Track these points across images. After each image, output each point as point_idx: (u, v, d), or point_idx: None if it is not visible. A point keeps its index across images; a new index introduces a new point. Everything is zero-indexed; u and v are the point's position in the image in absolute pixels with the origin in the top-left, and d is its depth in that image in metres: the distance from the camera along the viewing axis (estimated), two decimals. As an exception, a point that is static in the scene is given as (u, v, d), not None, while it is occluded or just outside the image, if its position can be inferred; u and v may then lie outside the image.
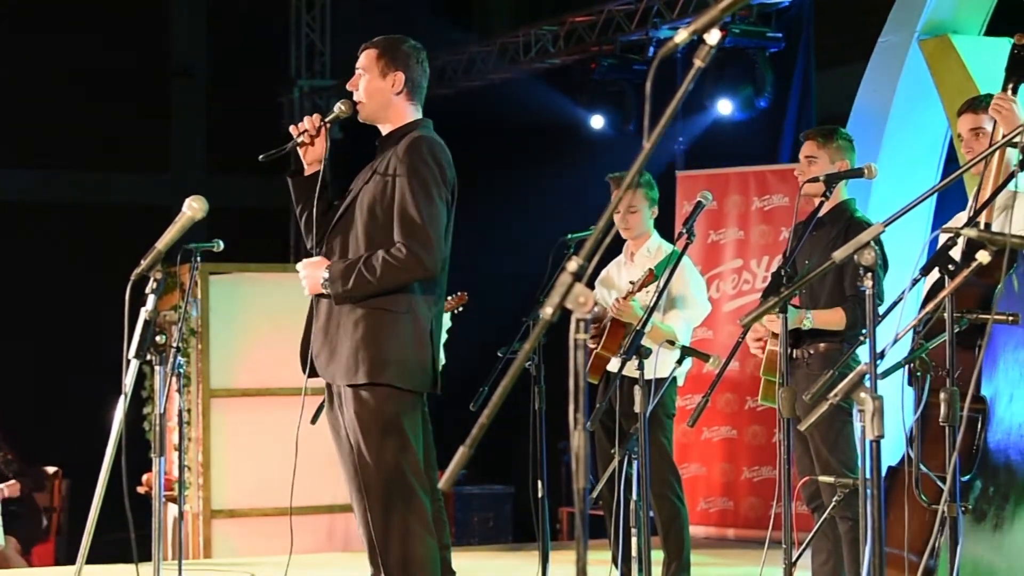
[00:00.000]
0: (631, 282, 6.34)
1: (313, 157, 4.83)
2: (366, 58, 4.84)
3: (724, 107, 10.18)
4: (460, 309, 7.21)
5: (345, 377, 4.65)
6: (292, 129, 4.82)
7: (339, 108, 4.81)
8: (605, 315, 6.46)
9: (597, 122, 11.21)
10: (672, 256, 6.13)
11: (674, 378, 6.40)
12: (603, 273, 6.79)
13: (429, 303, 4.75)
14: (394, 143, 4.79)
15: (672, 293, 6.41)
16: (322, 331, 4.71)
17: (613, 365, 6.23)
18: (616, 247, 6.72)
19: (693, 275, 6.59)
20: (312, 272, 4.70)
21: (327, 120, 4.80)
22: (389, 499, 4.64)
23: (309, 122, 4.79)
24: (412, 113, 4.87)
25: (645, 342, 5.44)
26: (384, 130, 4.88)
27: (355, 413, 4.64)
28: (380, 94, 4.80)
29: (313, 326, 4.76)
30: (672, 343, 5.66)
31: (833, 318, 5.60)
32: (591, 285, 6.71)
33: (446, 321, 7.40)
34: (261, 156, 4.75)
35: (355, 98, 4.84)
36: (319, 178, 4.80)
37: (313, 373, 4.79)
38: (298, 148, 4.82)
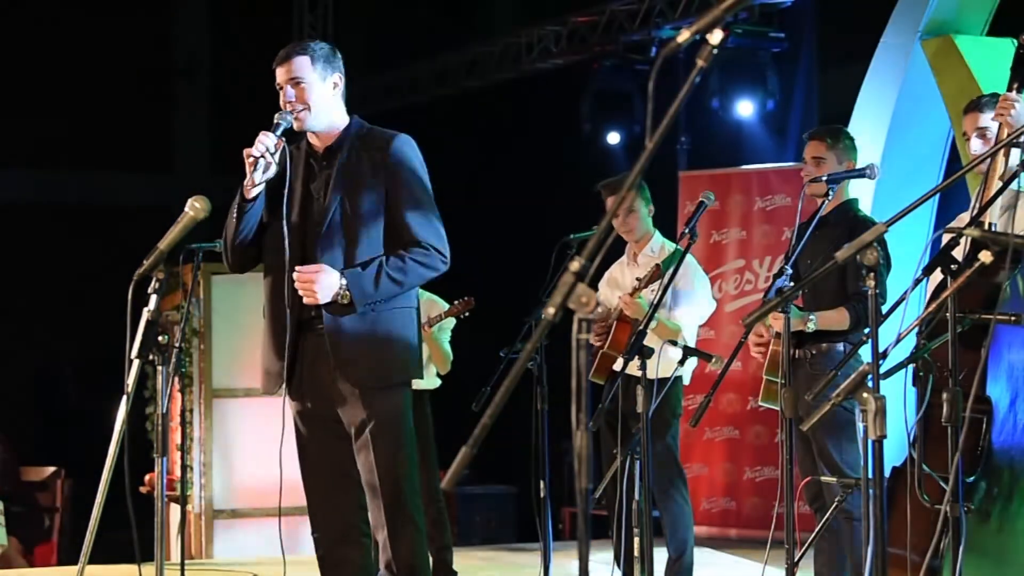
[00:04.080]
0: (637, 279, 6.33)
1: (266, 177, 4.70)
2: (299, 67, 4.69)
3: (744, 108, 10.19)
4: (467, 313, 7.21)
5: (370, 379, 4.64)
6: (248, 155, 4.61)
7: (286, 121, 4.65)
8: (610, 315, 6.45)
9: (613, 138, 11.24)
10: (676, 254, 6.13)
11: (679, 378, 6.39)
12: (607, 273, 6.79)
13: (415, 297, 4.85)
14: (356, 145, 4.74)
15: (677, 292, 6.41)
16: (331, 336, 4.68)
17: (619, 365, 6.23)
18: (619, 247, 6.72)
19: (697, 273, 6.58)
20: (327, 279, 4.57)
21: (281, 136, 4.65)
22: (403, 496, 4.65)
23: (269, 141, 4.61)
24: (345, 113, 4.81)
25: (651, 340, 5.45)
26: (321, 135, 4.77)
27: (374, 412, 4.62)
28: (323, 98, 4.72)
29: (329, 334, 4.65)
30: (675, 343, 5.65)
31: (837, 318, 5.59)
32: (595, 285, 6.71)
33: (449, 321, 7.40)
34: (252, 184, 4.68)
35: (296, 108, 4.68)
36: (264, 198, 4.73)
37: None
38: (253, 169, 4.63)
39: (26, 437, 11.85)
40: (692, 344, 6.39)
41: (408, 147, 4.75)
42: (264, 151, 4.61)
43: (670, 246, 6.59)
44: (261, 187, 4.70)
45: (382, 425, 4.63)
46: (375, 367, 4.65)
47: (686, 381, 6.62)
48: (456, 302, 7.19)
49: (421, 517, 4.71)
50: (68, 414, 14.34)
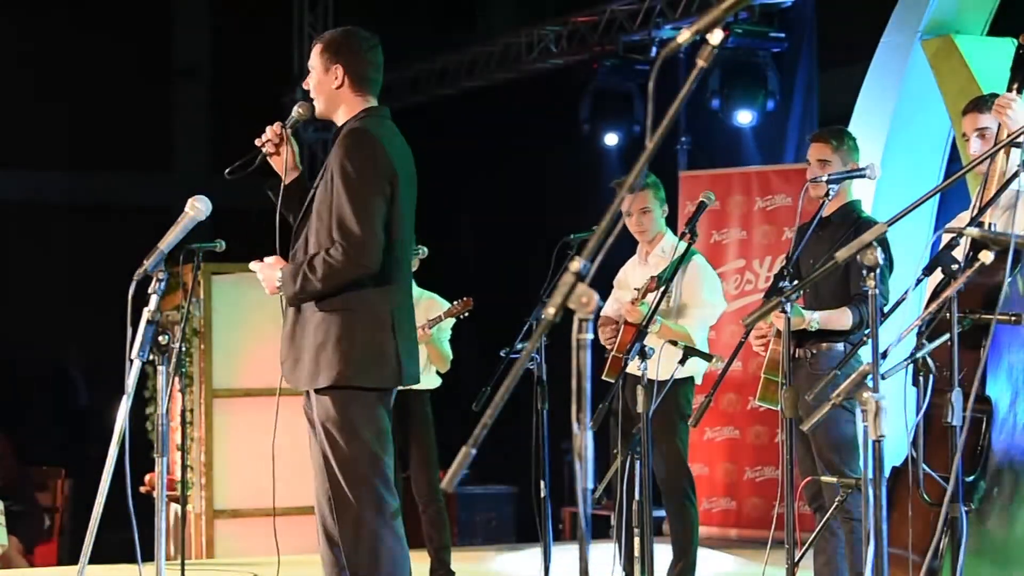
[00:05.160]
0: (636, 289, 6.31)
1: (284, 165, 4.78)
2: (313, 54, 4.80)
3: (744, 117, 10.18)
4: (466, 314, 7.19)
5: (308, 382, 4.64)
6: (257, 141, 4.77)
7: (297, 111, 4.76)
8: (621, 316, 6.43)
9: (613, 139, 11.22)
10: (686, 255, 6.09)
11: (690, 378, 6.38)
12: (619, 274, 6.75)
13: (385, 296, 4.65)
14: (336, 138, 4.78)
15: (686, 294, 6.38)
16: (288, 337, 4.69)
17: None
18: (630, 247, 6.68)
19: (706, 275, 6.53)
20: (268, 273, 4.70)
21: (288, 126, 4.75)
22: (355, 502, 4.59)
23: (271, 131, 4.74)
24: (360, 105, 4.76)
25: (653, 341, 5.44)
26: (335, 125, 4.84)
27: (321, 417, 4.62)
28: (324, 89, 4.75)
29: (282, 332, 4.75)
30: (675, 343, 5.65)
31: (839, 318, 5.59)
32: (610, 286, 6.70)
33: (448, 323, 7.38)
34: (227, 171, 4.71)
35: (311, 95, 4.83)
36: (302, 184, 4.79)
37: None
38: (269, 159, 4.78)
39: (26, 437, 11.83)
40: (701, 345, 6.38)
41: (349, 140, 4.64)
42: (265, 140, 4.75)
43: (683, 246, 6.56)
44: (291, 172, 4.79)
45: (322, 426, 4.62)
46: (305, 368, 4.64)
47: (698, 381, 6.59)
48: (455, 303, 7.18)
49: (379, 522, 4.59)
50: (68, 414, 14.34)
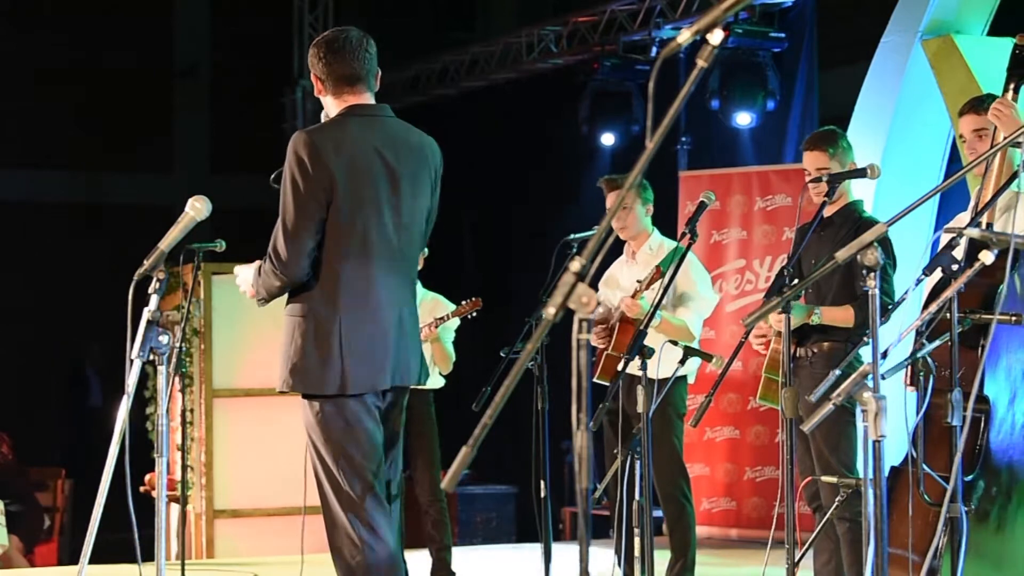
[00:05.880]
0: (638, 280, 6.32)
1: None
2: None
3: (743, 119, 10.16)
4: (474, 314, 7.19)
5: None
6: None
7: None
8: (611, 316, 6.45)
9: (612, 139, 11.20)
10: (676, 252, 6.12)
11: (683, 377, 6.38)
12: (606, 273, 6.78)
13: (331, 302, 4.51)
14: None
15: (679, 289, 6.41)
16: None
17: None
18: (619, 246, 6.71)
19: (697, 269, 6.57)
20: (244, 275, 4.75)
21: None
22: (341, 511, 4.52)
23: None
24: (339, 106, 4.66)
25: (653, 340, 5.45)
26: None
27: (304, 422, 4.61)
28: (321, 98, 4.74)
29: None
30: (675, 343, 5.65)
31: (842, 315, 5.59)
32: (594, 285, 6.71)
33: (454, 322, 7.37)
34: (272, 177, 4.70)
35: None
36: None
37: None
38: None
39: (27, 437, 11.83)
40: (698, 339, 6.41)
41: (288, 150, 4.55)
42: None
43: (669, 243, 6.59)
44: None
45: (306, 432, 4.60)
46: (279, 373, 4.62)
47: (691, 380, 6.60)
48: (464, 302, 7.17)
49: (361, 525, 4.50)
50: (76, 415, 14.35)
